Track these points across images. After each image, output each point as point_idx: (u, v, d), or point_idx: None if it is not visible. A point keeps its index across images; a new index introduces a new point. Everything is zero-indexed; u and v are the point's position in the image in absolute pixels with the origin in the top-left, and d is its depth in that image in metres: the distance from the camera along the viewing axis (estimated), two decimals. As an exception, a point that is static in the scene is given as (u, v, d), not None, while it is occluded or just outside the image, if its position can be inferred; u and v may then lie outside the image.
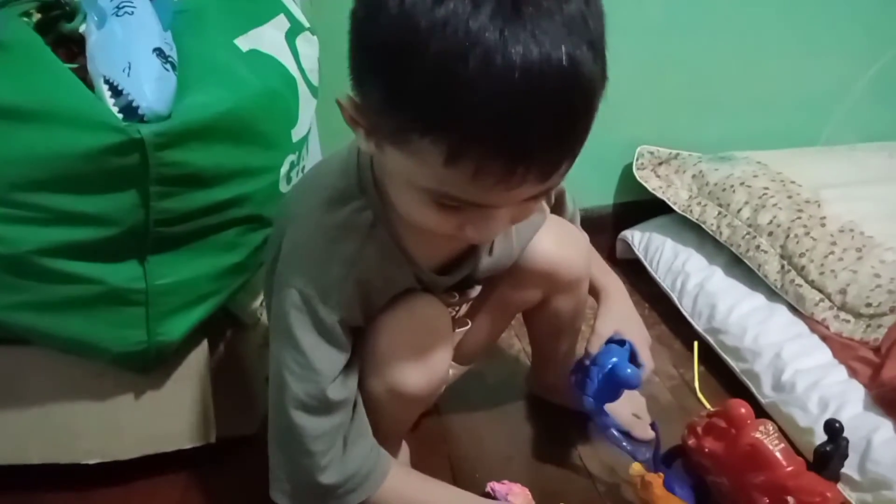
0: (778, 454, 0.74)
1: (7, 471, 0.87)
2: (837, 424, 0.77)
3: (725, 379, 1.06)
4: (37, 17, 0.79)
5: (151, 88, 0.66)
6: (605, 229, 1.49)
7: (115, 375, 0.84)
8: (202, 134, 0.70)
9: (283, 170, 0.82)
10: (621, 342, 0.85)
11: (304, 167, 0.89)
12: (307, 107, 0.86)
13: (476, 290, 0.85)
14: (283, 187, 0.83)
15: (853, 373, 0.92)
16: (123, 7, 0.72)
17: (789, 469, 0.73)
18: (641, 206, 1.43)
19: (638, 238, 1.39)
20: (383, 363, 0.71)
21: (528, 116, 0.47)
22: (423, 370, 0.72)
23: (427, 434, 0.98)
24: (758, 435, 0.75)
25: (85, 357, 0.81)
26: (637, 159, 1.39)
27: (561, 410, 1.01)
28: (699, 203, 1.26)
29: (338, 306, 0.66)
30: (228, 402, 0.94)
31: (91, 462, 0.87)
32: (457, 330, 0.85)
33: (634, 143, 1.40)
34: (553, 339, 0.95)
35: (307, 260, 0.66)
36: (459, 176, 0.50)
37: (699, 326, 1.14)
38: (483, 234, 0.59)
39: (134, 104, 0.66)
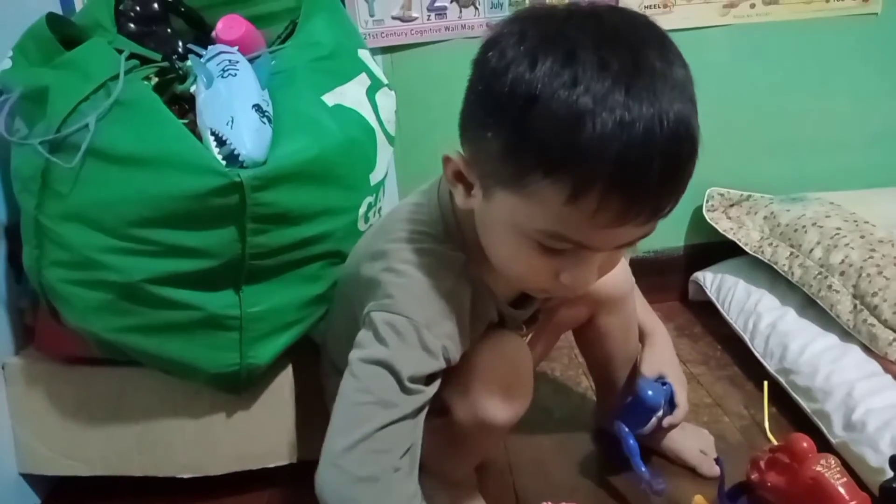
0: (840, 488, 0.74)
1: (111, 480, 0.97)
2: (904, 460, 0.76)
3: (796, 419, 1.05)
4: (155, 80, 0.92)
5: (251, 139, 0.76)
6: (677, 271, 1.50)
7: (211, 396, 0.93)
8: (292, 177, 0.79)
9: (362, 210, 0.90)
10: (663, 383, 0.90)
11: (380, 208, 0.97)
12: (384, 153, 0.95)
13: (539, 321, 0.90)
14: (362, 226, 0.91)
15: (928, 413, 0.90)
16: (228, 70, 0.83)
17: (853, 503, 0.73)
18: (712, 248, 1.44)
19: (710, 279, 1.39)
20: (475, 397, 0.75)
21: (646, 161, 0.55)
22: (511, 402, 0.77)
23: (493, 464, 1.02)
24: (819, 468, 0.76)
25: (184, 378, 0.90)
26: (707, 201, 1.41)
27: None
28: (771, 244, 1.27)
29: (442, 336, 0.69)
30: (310, 426, 1.01)
31: (186, 476, 0.96)
32: None
33: (705, 185, 1.42)
34: (607, 364, 0.99)
35: (411, 292, 0.68)
36: (578, 214, 0.57)
37: (770, 367, 1.13)
38: (577, 281, 0.64)
39: (236, 152, 0.76)
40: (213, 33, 0.97)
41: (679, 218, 1.49)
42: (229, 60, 0.85)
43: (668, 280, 1.49)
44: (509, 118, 0.57)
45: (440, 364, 0.69)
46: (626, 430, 0.90)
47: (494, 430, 0.79)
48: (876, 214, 1.21)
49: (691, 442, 1.00)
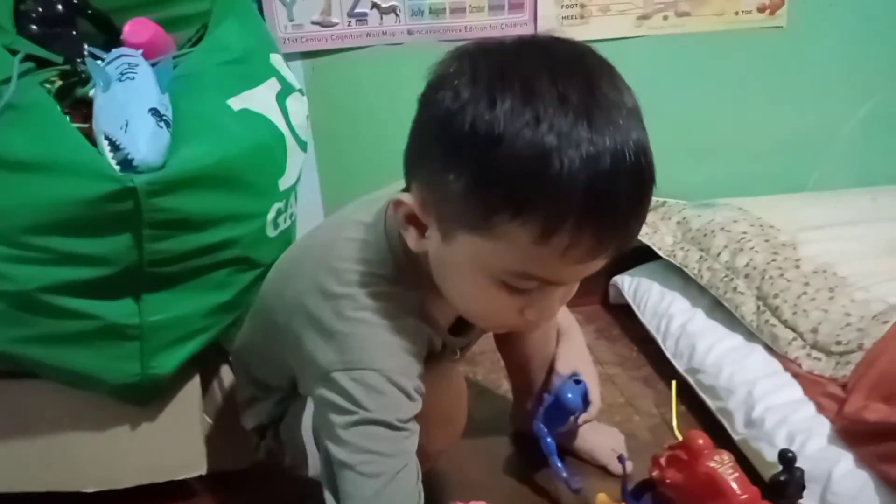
0: (732, 483, 0.77)
1: (11, 498, 0.93)
2: (790, 454, 0.79)
3: (703, 417, 1.08)
4: (58, 83, 0.89)
5: (146, 143, 0.75)
6: (598, 275, 1.50)
7: (114, 407, 0.90)
8: (191, 183, 0.78)
9: (271, 216, 0.89)
10: (577, 381, 0.92)
11: (292, 213, 0.96)
12: (295, 158, 0.94)
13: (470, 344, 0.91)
14: (270, 232, 0.90)
15: (820, 408, 0.94)
16: (126, 73, 0.82)
17: (743, 497, 0.76)
18: (632, 253, 1.47)
19: (628, 283, 1.43)
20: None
21: (614, 193, 0.55)
22: (449, 431, 0.79)
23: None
24: (713, 464, 0.78)
25: (86, 389, 0.88)
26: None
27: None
28: (682, 248, 1.31)
29: (414, 377, 0.69)
30: (222, 437, 0.99)
31: (89, 490, 0.93)
32: None
33: (623, 191, 1.46)
34: (526, 365, 1.01)
35: (376, 341, 0.67)
36: (548, 252, 0.56)
37: (680, 367, 1.17)
38: (542, 315, 0.65)
39: (129, 157, 0.74)
40: (122, 36, 0.95)
41: (600, 223, 1.52)
42: (128, 64, 0.83)
43: (589, 284, 1.49)
44: (472, 159, 0.55)
45: (419, 405, 0.70)
46: (545, 430, 0.92)
47: (429, 458, 0.79)
48: (781, 219, 1.26)
49: (603, 440, 1.03)
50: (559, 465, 0.92)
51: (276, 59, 1.00)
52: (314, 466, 0.78)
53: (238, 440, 1.00)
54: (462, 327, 0.81)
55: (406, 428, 0.67)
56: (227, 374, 1.01)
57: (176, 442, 0.94)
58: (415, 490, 0.68)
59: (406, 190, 0.66)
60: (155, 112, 0.77)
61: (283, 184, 0.91)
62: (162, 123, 0.78)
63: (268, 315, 0.80)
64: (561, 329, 1.00)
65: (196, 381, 0.93)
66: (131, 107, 0.77)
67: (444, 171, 0.58)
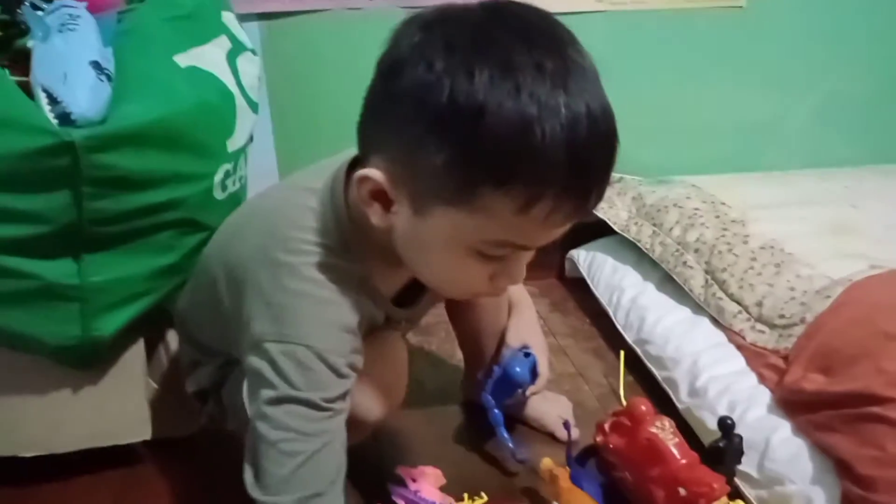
0: (672, 448, 0.79)
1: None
2: (729, 421, 0.81)
3: (650, 387, 1.11)
4: (-2, 34, 0.86)
5: (85, 97, 0.72)
6: (554, 248, 1.54)
7: (55, 370, 0.88)
8: (133, 140, 0.75)
9: (218, 178, 0.87)
10: (527, 354, 0.93)
11: (241, 177, 0.94)
12: (245, 120, 0.92)
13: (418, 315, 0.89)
14: (218, 194, 0.88)
15: (762, 379, 0.96)
16: (67, 24, 0.79)
17: (682, 462, 0.78)
18: (588, 227, 1.48)
19: (583, 257, 1.44)
20: (352, 396, 0.72)
21: (592, 157, 0.56)
22: (386, 401, 0.78)
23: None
24: (654, 430, 0.80)
25: (26, 351, 0.85)
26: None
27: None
28: (636, 223, 1.32)
29: (347, 353, 0.68)
30: (168, 403, 0.98)
31: (28, 455, 0.90)
32: None
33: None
34: (477, 336, 1.01)
35: (312, 317, 0.66)
36: (530, 220, 0.57)
37: (629, 338, 1.19)
38: (512, 280, 0.66)
39: (68, 110, 0.71)
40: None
41: (558, 198, 1.53)
42: (70, 15, 0.80)
43: (546, 258, 1.53)
44: (453, 133, 0.55)
45: (351, 381, 0.69)
46: (493, 401, 0.93)
47: (367, 427, 0.79)
48: (733, 197, 1.28)
49: (551, 408, 1.04)
50: (505, 436, 0.93)
51: (227, 18, 0.97)
52: None
53: (185, 406, 0.99)
54: (408, 298, 0.81)
55: (331, 408, 0.66)
56: (173, 338, 0.98)
57: (119, 406, 0.92)
58: (333, 469, 0.67)
59: (360, 162, 0.65)
60: (96, 65, 0.75)
61: (232, 145, 0.89)
62: (103, 77, 0.75)
63: (210, 276, 0.78)
64: (512, 301, 1.01)
65: (140, 345, 0.91)
66: (71, 59, 0.74)
67: (421, 146, 0.57)
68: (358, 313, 0.69)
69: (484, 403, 0.94)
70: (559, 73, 0.54)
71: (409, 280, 0.80)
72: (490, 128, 0.53)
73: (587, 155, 0.55)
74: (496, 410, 0.93)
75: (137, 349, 0.91)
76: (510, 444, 0.92)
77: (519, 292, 1.02)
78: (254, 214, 0.79)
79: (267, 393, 0.65)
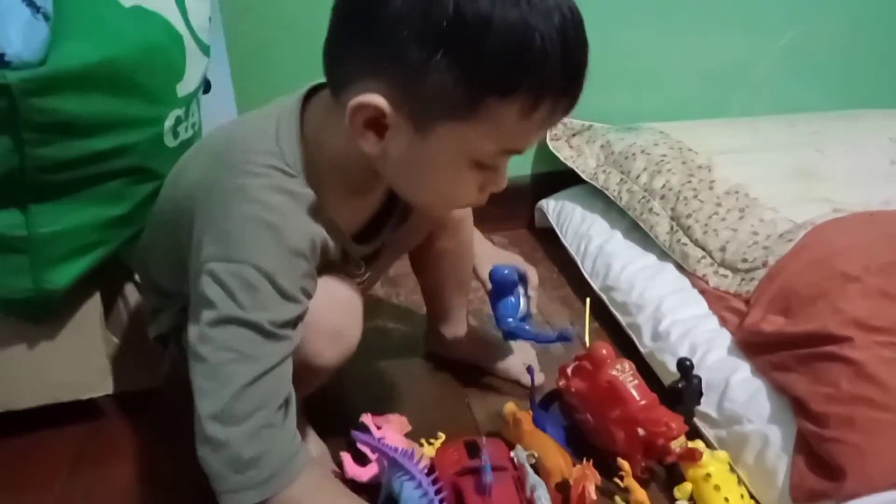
0: (632, 390, 0.80)
1: None
2: (688, 363, 0.82)
3: (616, 333, 1.11)
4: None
5: (18, 36, 0.68)
6: (524, 199, 1.53)
7: (10, 325, 0.86)
8: (74, 82, 0.72)
9: (168, 123, 0.84)
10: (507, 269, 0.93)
11: (194, 123, 0.91)
12: (196, 63, 0.89)
13: (381, 263, 0.89)
14: (169, 141, 0.85)
15: (723, 322, 0.97)
16: (-3, -41, 0.74)
17: (641, 403, 0.79)
18: (558, 177, 1.48)
19: (552, 206, 1.44)
20: (304, 340, 0.70)
21: (579, 58, 0.60)
22: (339, 345, 0.76)
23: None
24: (614, 372, 0.81)
25: (-25, 306, 0.83)
26: (551, 130, 1.43)
27: (455, 365, 1.06)
28: (604, 171, 1.31)
29: (297, 278, 0.66)
30: (129, 356, 0.96)
31: (-14, 411, 0.89)
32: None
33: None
34: (441, 287, 1.01)
35: (261, 237, 0.64)
36: (530, 125, 0.60)
37: (596, 285, 1.19)
38: (499, 185, 0.69)
39: (1, 51, 0.68)
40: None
41: (526, 147, 1.51)
42: (1, -51, 0.75)
43: (515, 208, 1.52)
44: (462, 47, 0.56)
45: (302, 306, 0.67)
46: (510, 321, 0.92)
47: (321, 371, 0.77)
48: (699, 142, 1.28)
49: (516, 357, 1.05)
50: (545, 333, 0.94)
51: (175, -45, 0.92)
52: None
53: (146, 359, 0.97)
54: (367, 235, 0.80)
55: (277, 334, 0.64)
56: (131, 291, 0.97)
57: (78, 361, 0.90)
58: (280, 397, 0.64)
59: (323, 93, 0.65)
60: (30, 3, 0.70)
61: (182, 89, 0.86)
62: (39, 16, 0.71)
63: (165, 213, 0.76)
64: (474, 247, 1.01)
65: (96, 298, 0.89)
66: (2, -4, 0.70)
67: (427, 65, 0.57)
68: (308, 238, 0.67)
69: (506, 329, 0.93)
70: None
71: (369, 216, 0.79)
72: (497, 38, 0.55)
73: (576, 56, 0.59)
74: (516, 326, 0.92)
75: (94, 302, 0.89)
76: (554, 334, 0.92)
77: (471, 231, 1.01)
78: (204, 144, 0.78)
79: (210, 314, 0.63)
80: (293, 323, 0.66)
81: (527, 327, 0.93)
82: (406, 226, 0.86)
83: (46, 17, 0.72)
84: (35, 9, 0.71)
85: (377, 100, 0.60)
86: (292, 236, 0.65)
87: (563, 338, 0.91)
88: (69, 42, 0.72)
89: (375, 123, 0.62)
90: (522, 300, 0.93)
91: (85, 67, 0.72)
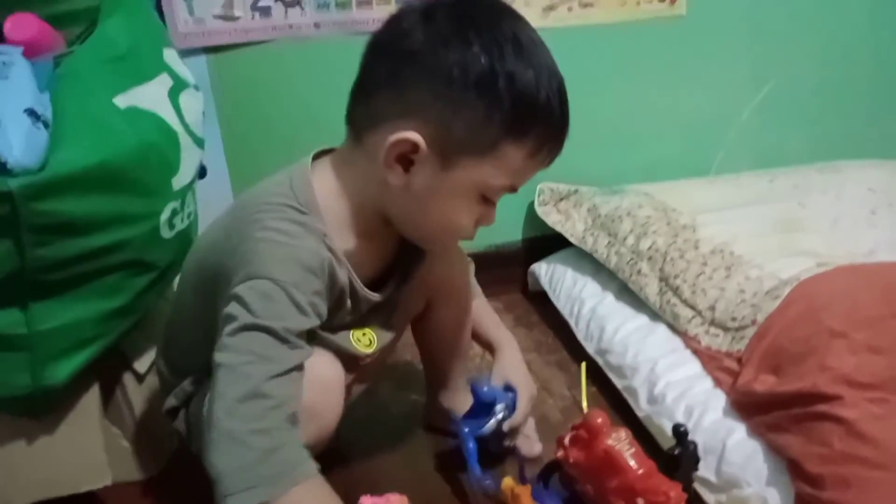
0: (629, 458, 0.80)
1: None
2: (682, 428, 0.83)
3: (613, 396, 1.12)
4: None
5: (20, 145, 0.72)
6: (516, 264, 1.56)
7: (8, 421, 0.87)
8: (73, 185, 0.75)
9: (164, 216, 0.87)
10: (509, 389, 0.94)
11: (190, 213, 0.94)
12: (190, 157, 0.92)
13: (389, 338, 0.91)
14: (166, 233, 0.88)
15: (717, 382, 0.98)
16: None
17: (639, 472, 0.79)
18: (549, 240, 1.50)
19: (544, 270, 1.46)
20: None
21: (567, 112, 0.74)
22: (311, 425, 0.74)
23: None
24: (611, 442, 0.81)
25: (-25, 404, 0.84)
26: (538, 195, 1.47)
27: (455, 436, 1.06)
28: (592, 234, 1.34)
29: (309, 293, 0.71)
30: (128, 445, 0.97)
31: (-16, 508, 0.89)
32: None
33: (537, 181, 1.48)
34: (438, 357, 1.03)
35: (275, 255, 0.70)
36: (532, 165, 0.74)
37: (590, 349, 1.20)
38: (490, 221, 0.80)
39: (3, 160, 0.71)
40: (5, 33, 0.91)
41: (516, 213, 1.54)
42: (2, 62, 0.79)
43: (509, 273, 1.54)
44: (488, 98, 0.68)
45: (312, 321, 0.72)
46: (466, 430, 0.92)
47: None
48: (683, 202, 1.31)
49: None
50: (476, 468, 0.90)
51: (169, 55, 0.97)
52: None
53: (143, 448, 0.98)
54: (375, 287, 0.83)
55: (292, 341, 0.68)
56: (129, 380, 0.98)
57: (77, 453, 0.91)
58: (290, 401, 0.67)
59: (360, 130, 0.75)
60: (31, 112, 0.74)
61: (178, 183, 0.89)
62: (39, 124, 0.75)
63: (191, 274, 0.82)
64: (495, 344, 1.02)
65: (95, 390, 0.91)
66: (5, 107, 0.74)
67: (462, 108, 0.69)
68: (319, 258, 0.73)
69: (459, 433, 0.92)
70: (542, 46, 0.72)
71: (378, 268, 0.84)
72: (518, 92, 0.69)
73: (567, 111, 0.74)
74: (471, 444, 0.91)
75: (93, 394, 0.91)
76: (478, 475, 0.90)
77: (503, 334, 1.04)
78: (226, 212, 0.83)
79: (229, 327, 0.67)
80: (305, 335, 0.71)
81: (470, 445, 0.91)
82: (408, 286, 0.89)
83: (46, 125, 0.76)
84: (35, 118, 0.75)
85: (415, 137, 0.70)
86: (303, 254, 0.71)
87: (479, 483, 0.90)
88: (67, 146, 0.76)
89: (404, 158, 0.72)
90: (492, 422, 0.91)
91: (83, 170, 0.75)
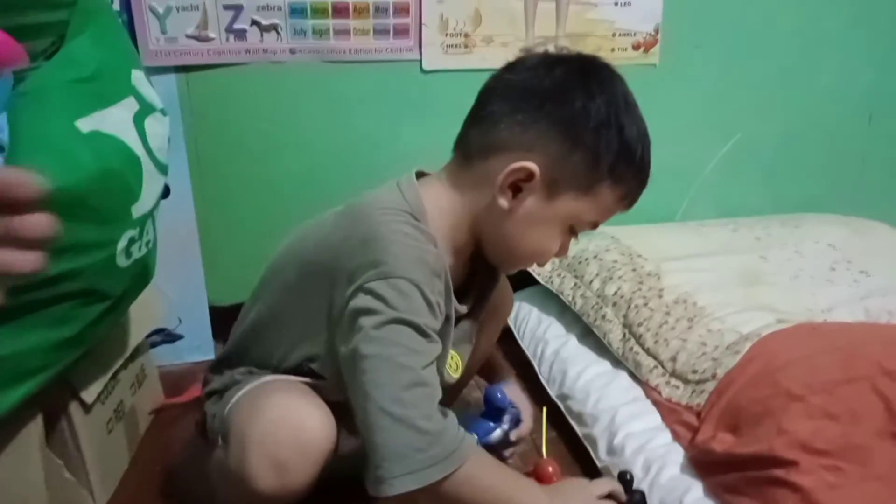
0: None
1: None
2: (629, 476, 0.83)
3: (573, 443, 1.11)
4: None
5: (-28, 168, 0.68)
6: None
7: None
8: (26, 211, 0.72)
9: (121, 245, 0.84)
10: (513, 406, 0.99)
11: (148, 241, 0.92)
12: (152, 184, 0.89)
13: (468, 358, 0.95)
14: (122, 262, 0.85)
15: (676, 436, 0.98)
16: (-46, 91, 0.75)
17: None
18: (517, 276, 1.49)
19: (509, 307, 1.45)
20: (244, 451, 0.75)
21: (650, 166, 0.81)
22: (277, 479, 0.75)
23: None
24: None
25: None
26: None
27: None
28: (559, 275, 1.34)
29: (436, 293, 0.75)
30: (69, 478, 0.93)
31: (-88, 544, 0.84)
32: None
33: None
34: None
35: (406, 256, 0.74)
36: (619, 207, 0.82)
37: (552, 392, 1.19)
38: (566, 252, 0.86)
39: (-47, 183, 0.68)
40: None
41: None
42: (-42, 79, 0.76)
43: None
44: (597, 144, 0.75)
45: (440, 321, 0.76)
46: (475, 435, 0.92)
47: (253, 496, 0.76)
48: (648, 248, 1.32)
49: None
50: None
51: (137, 77, 0.95)
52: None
53: (88, 479, 0.94)
54: (462, 297, 0.87)
55: (430, 335, 0.73)
56: (76, 410, 0.94)
57: (16, 486, 0.86)
58: (438, 389, 0.73)
59: (475, 155, 0.80)
60: (-14, 134, 0.71)
61: (138, 210, 0.86)
62: (-6, 147, 0.72)
63: (289, 279, 0.84)
64: (507, 368, 1.12)
65: (38, 421, 0.87)
66: (-43, 128, 0.71)
67: (576, 149, 0.76)
68: (441, 263, 0.78)
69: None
70: (639, 109, 0.80)
71: (457, 287, 0.85)
72: (619, 144, 0.76)
73: (650, 165, 0.81)
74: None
75: (36, 425, 0.86)
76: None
77: (503, 361, 1.14)
78: (314, 223, 0.86)
79: (373, 320, 0.71)
80: (435, 334, 0.75)
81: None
82: (485, 305, 0.95)
83: (2, 148, 0.73)
84: (-10, 140, 0.72)
85: (533, 167, 0.76)
86: (430, 257, 0.76)
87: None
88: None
89: (514, 185, 0.78)
90: (499, 430, 0.96)
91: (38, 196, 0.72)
